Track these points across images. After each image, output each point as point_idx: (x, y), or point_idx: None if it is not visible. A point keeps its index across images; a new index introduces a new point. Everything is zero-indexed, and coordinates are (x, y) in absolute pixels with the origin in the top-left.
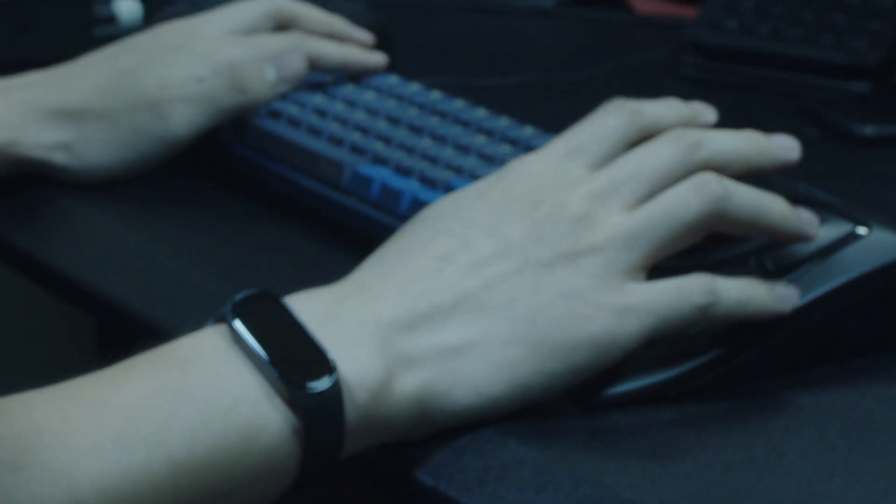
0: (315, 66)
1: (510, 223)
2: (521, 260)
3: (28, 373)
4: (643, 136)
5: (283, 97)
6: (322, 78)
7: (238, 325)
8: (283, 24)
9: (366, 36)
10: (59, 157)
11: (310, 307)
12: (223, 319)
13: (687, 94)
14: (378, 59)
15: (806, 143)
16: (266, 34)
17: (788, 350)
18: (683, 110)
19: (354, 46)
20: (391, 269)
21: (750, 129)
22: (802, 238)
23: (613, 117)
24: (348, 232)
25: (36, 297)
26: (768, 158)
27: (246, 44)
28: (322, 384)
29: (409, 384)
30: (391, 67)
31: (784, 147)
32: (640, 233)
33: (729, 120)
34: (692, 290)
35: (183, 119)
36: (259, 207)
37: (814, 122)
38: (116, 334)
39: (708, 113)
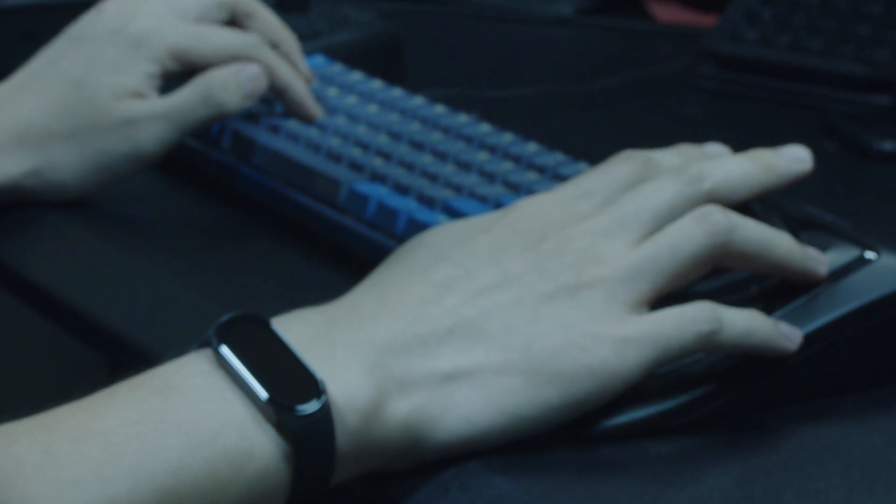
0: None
1: (513, 255)
2: (521, 290)
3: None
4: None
5: (283, 110)
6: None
7: (223, 348)
8: (235, 19)
9: (308, 71)
10: (29, 182)
11: (298, 328)
12: (207, 343)
13: (704, 106)
14: (317, 110)
15: (823, 159)
16: (219, 27)
17: (792, 381)
18: (696, 156)
19: (301, 77)
20: (387, 293)
21: (757, 148)
22: (809, 277)
23: (625, 167)
24: (345, 251)
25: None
26: (778, 176)
27: (197, 33)
28: (311, 406)
29: (401, 409)
30: (400, 78)
31: (794, 159)
32: (643, 266)
33: (745, 133)
34: (695, 317)
35: (152, 137)
36: (254, 224)
37: (832, 137)
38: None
39: (722, 153)
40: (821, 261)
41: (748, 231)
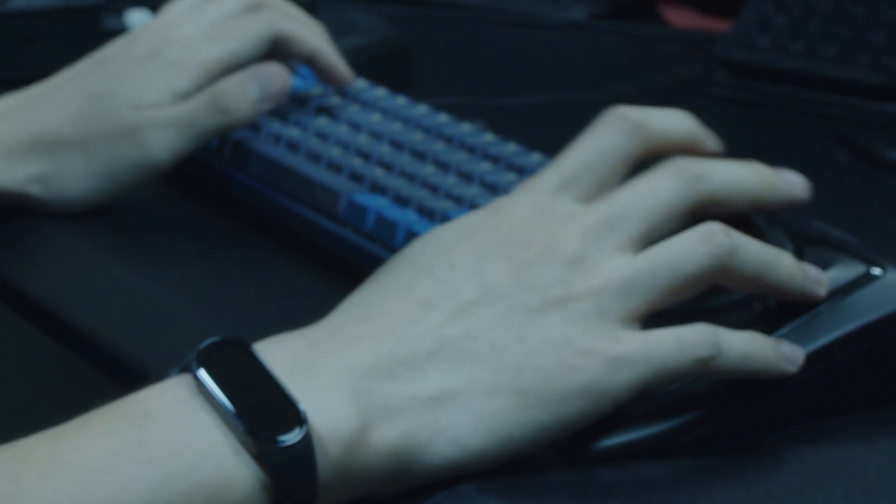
0: (284, 50)
1: (496, 266)
2: (507, 306)
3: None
4: (647, 152)
5: (285, 119)
6: (305, 88)
7: (202, 374)
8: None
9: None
10: (34, 190)
11: (280, 354)
12: (187, 369)
13: (716, 114)
14: (348, 74)
15: (835, 169)
16: (232, 22)
17: (794, 401)
18: (692, 126)
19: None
20: (369, 313)
21: (757, 162)
22: (808, 298)
23: (612, 133)
24: (344, 263)
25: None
26: (776, 194)
27: (221, 37)
28: (292, 437)
29: (387, 436)
30: (408, 85)
31: (792, 183)
32: (638, 280)
33: (757, 142)
34: (693, 341)
35: (162, 145)
36: (252, 235)
37: (845, 147)
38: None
39: (713, 140)
40: (821, 281)
41: (750, 253)
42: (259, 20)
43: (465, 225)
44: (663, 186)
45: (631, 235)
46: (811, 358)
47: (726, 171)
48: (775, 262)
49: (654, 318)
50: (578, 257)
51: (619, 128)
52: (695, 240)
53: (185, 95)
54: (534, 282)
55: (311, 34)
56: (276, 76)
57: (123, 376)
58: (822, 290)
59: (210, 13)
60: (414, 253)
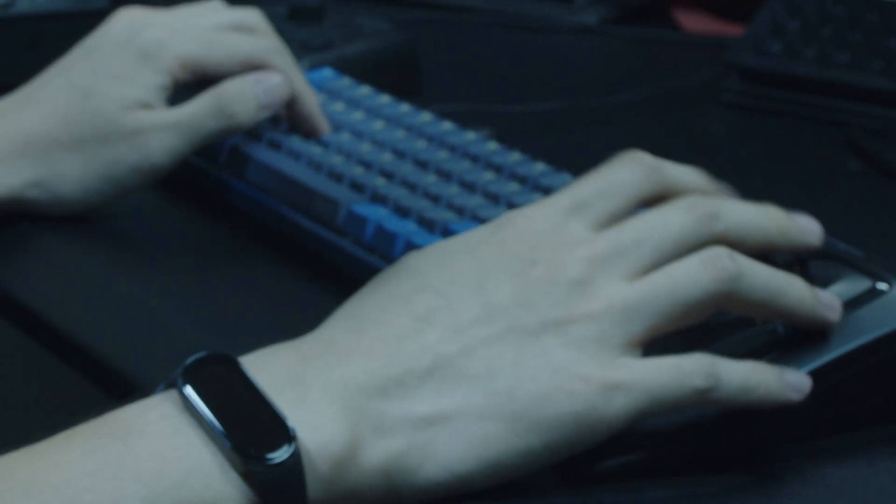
0: None
1: (499, 283)
2: (505, 325)
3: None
4: (658, 196)
5: (286, 126)
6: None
7: (189, 391)
8: None
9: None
10: (32, 194)
11: (270, 368)
12: (173, 385)
13: (726, 121)
14: (325, 126)
15: (847, 177)
16: (231, 33)
17: (796, 419)
18: (705, 182)
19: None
20: (364, 326)
21: (772, 206)
22: (820, 324)
23: (628, 171)
24: (343, 273)
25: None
26: (788, 240)
27: (208, 40)
28: (280, 454)
29: (377, 455)
30: (417, 90)
31: (806, 230)
32: (640, 306)
33: (768, 150)
34: (691, 371)
35: (163, 148)
36: (250, 243)
37: (857, 154)
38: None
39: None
40: (833, 307)
41: (757, 279)
42: (251, 44)
43: (470, 238)
44: (676, 221)
45: (639, 266)
46: (814, 376)
47: (740, 213)
48: (784, 287)
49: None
50: (583, 281)
51: (635, 167)
52: (699, 264)
53: (167, 89)
54: (535, 302)
55: (299, 76)
56: (280, 85)
57: (115, 388)
58: (835, 316)
59: (198, 15)
60: (414, 263)
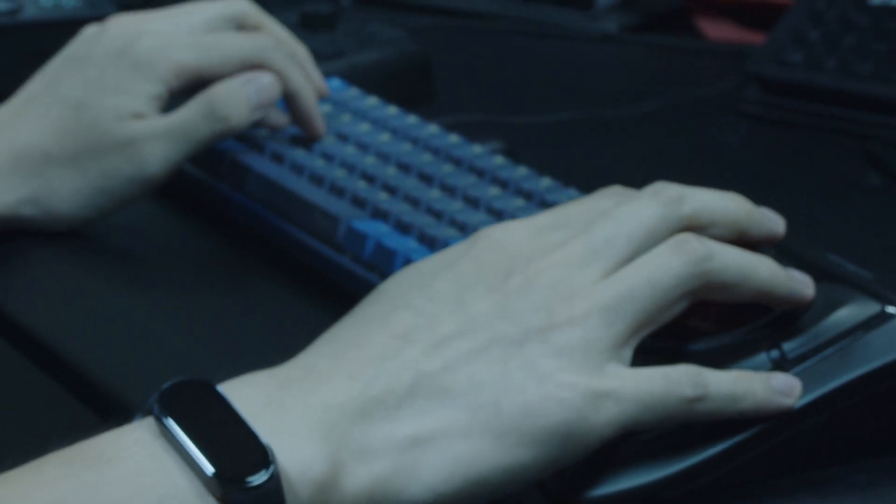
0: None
1: (477, 296)
2: (487, 337)
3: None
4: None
5: (290, 137)
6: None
7: (163, 416)
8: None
9: (323, 84)
10: (27, 211)
11: (248, 393)
12: (150, 411)
13: (746, 132)
14: (321, 127)
15: (866, 192)
16: (226, 33)
17: (802, 447)
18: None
19: (312, 87)
20: (343, 350)
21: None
22: (797, 301)
23: (607, 201)
24: (342, 290)
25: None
26: (755, 224)
27: (202, 45)
28: (258, 478)
29: (360, 478)
30: (430, 99)
31: (771, 218)
32: (620, 304)
33: (787, 161)
34: (679, 379)
35: (157, 157)
36: (250, 259)
37: (878, 168)
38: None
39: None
40: (806, 282)
41: (727, 258)
42: (248, 44)
43: (446, 255)
44: (643, 209)
45: (614, 261)
46: (819, 403)
47: (705, 195)
48: (756, 265)
49: (655, 358)
50: (560, 284)
51: (613, 198)
52: (668, 250)
53: (161, 98)
54: (515, 310)
55: (297, 74)
56: (272, 84)
57: (108, 409)
58: (809, 291)
59: (192, 16)
60: (393, 285)
